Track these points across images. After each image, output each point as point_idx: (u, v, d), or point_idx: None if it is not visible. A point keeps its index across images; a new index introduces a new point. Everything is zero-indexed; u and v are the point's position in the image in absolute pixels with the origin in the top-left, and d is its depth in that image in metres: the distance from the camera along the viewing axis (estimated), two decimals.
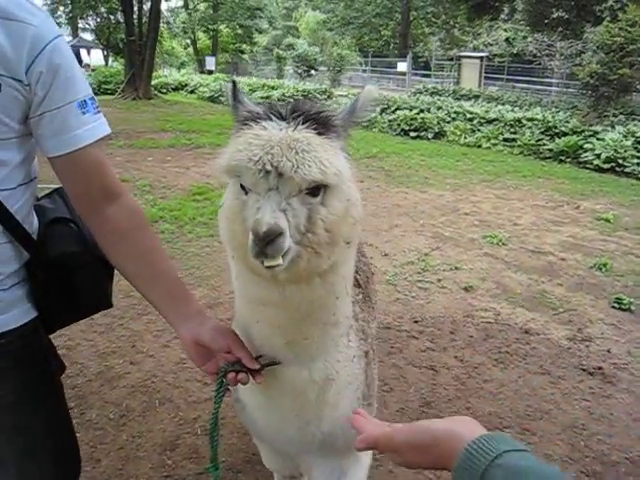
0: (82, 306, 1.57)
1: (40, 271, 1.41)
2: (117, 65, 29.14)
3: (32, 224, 1.42)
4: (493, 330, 4.40)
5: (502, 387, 3.67)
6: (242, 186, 1.32)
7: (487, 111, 14.83)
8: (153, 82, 23.32)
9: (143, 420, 3.20)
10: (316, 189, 1.30)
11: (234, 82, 1.45)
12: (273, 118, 1.33)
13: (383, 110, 15.76)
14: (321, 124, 1.34)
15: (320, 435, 1.68)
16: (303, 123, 1.32)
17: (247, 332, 1.55)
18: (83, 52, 37.03)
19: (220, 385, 1.47)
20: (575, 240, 6.65)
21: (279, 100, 18.91)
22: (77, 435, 2.99)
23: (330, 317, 1.53)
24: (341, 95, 20.89)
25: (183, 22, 44.10)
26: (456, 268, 5.58)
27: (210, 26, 42.55)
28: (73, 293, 1.50)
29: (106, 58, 39.94)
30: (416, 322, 4.46)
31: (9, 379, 1.38)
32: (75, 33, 40.84)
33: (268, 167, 1.25)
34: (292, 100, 1.44)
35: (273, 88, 21.43)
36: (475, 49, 34.04)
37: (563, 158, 11.80)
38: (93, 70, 28.91)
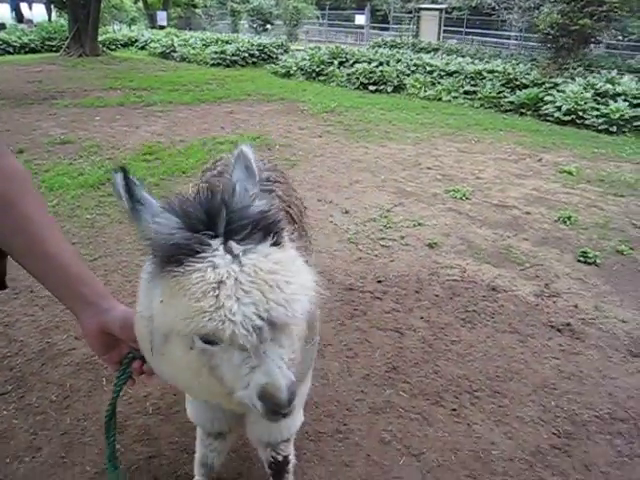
0: None
1: None
2: (61, 20, 27.59)
3: None
4: (459, 288, 4.24)
5: (470, 348, 3.52)
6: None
7: (447, 63, 14.54)
8: (101, 38, 22.15)
9: (89, 401, 2.92)
10: None
11: (124, 170, 1.07)
12: (212, 243, 1.01)
13: (341, 63, 15.33)
14: (272, 230, 1.06)
15: None
16: (259, 240, 1.03)
17: None
18: (24, 6, 35.16)
19: (123, 373, 1.31)
20: (539, 193, 6.53)
21: (233, 55, 18.22)
22: (15, 422, 2.75)
23: None
24: (298, 50, 20.25)
25: None
26: (419, 224, 5.39)
27: None
28: None
29: (49, 13, 37.87)
30: (379, 282, 4.27)
31: None
32: None
33: (258, 322, 0.97)
34: (211, 197, 1.06)
35: (227, 42, 20.60)
36: (433, 2, 33.59)
37: (524, 110, 11.68)
38: (35, 26, 27.35)
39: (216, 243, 1.01)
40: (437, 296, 4.11)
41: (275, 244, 1.05)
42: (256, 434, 2.06)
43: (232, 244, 1.01)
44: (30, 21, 32.44)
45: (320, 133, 8.98)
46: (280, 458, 2.19)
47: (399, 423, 2.86)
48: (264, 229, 1.04)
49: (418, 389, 3.11)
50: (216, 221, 1.03)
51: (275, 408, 1.01)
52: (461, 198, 6.17)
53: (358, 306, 3.92)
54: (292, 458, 2.30)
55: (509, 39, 26.86)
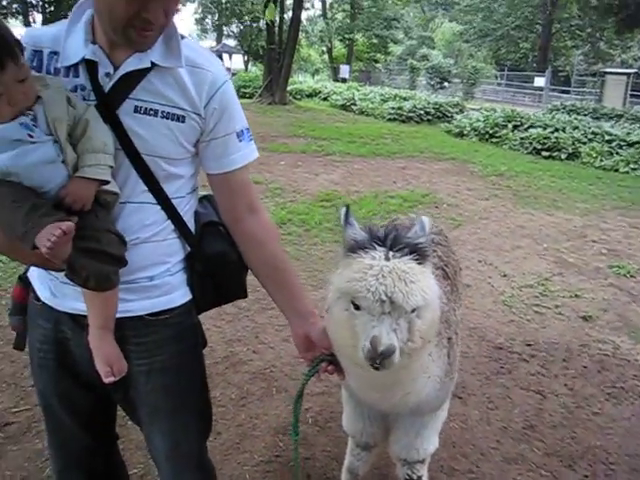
0: (226, 294, 1.88)
1: (198, 263, 1.73)
2: (256, 70, 30.65)
3: (192, 225, 1.75)
4: (609, 364, 4.30)
5: (613, 422, 3.61)
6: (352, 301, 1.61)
7: (628, 133, 14.02)
8: (288, 88, 24.26)
9: (260, 404, 3.53)
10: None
11: (347, 207, 1.72)
12: (378, 248, 1.60)
13: (515, 127, 15.39)
14: (419, 254, 1.61)
15: (410, 404, 2.01)
16: (406, 253, 1.59)
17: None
18: (225, 57, 39.31)
19: (313, 368, 1.81)
20: None
21: (409, 111, 19.03)
22: None
23: (417, 371, 1.87)
24: (473, 109, 20.58)
25: (321, 30, 45.50)
26: (576, 296, 5.46)
27: (346, 35, 43.56)
28: (221, 283, 1.80)
29: (246, 63, 42.12)
30: (528, 345, 4.47)
31: (169, 347, 1.71)
32: (219, 39, 43.54)
33: (383, 297, 1.52)
34: (392, 228, 1.67)
35: (405, 99, 21.54)
36: (623, 64, 32.04)
37: None
38: (233, 74, 30.53)
39: (381, 249, 1.59)
40: (585, 367, 4.22)
41: (416, 261, 1.59)
42: (396, 451, 2.51)
43: (390, 252, 1.59)
44: (228, 69, 36.14)
45: (487, 196, 9.22)
46: (415, 477, 2.59)
47: (529, 476, 3.08)
48: (413, 250, 1.60)
49: (552, 450, 3.30)
50: (386, 239, 1.62)
51: (374, 355, 1.47)
52: (625, 275, 6.09)
53: (504, 364, 4.16)
54: None
55: None
